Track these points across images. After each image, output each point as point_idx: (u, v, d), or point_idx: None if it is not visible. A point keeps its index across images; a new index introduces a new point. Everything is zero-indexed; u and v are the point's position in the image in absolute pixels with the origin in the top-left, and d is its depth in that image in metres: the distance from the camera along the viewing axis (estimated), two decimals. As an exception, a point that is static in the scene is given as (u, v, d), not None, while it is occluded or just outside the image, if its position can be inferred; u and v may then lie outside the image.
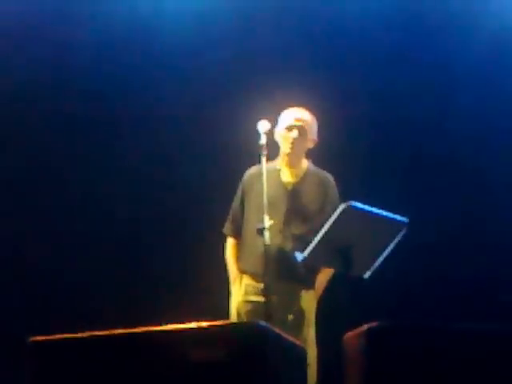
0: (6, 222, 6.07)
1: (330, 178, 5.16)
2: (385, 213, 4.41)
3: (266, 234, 4.61)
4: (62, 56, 6.24)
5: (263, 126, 4.88)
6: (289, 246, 4.92)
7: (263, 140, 4.85)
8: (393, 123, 6.28)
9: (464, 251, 6.17)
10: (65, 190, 6.26)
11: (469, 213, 6.28)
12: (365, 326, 3.42)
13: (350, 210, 4.34)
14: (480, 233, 6.24)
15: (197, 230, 6.07)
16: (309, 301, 4.99)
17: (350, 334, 3.56)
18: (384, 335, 3.39)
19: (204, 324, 3.37)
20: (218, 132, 6.21)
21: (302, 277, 4.94)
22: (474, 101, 6.25)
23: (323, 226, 4.44)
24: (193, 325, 3.37)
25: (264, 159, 4.84)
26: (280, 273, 4.81)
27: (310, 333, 4.95)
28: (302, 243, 4.79)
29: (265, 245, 4.62)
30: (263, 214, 4.68)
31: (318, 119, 5.18)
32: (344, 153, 6.09)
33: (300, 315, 4.94)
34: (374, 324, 3.40)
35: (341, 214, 4.35)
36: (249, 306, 4.96)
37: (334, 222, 4.37)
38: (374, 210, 4.39)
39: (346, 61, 6.27)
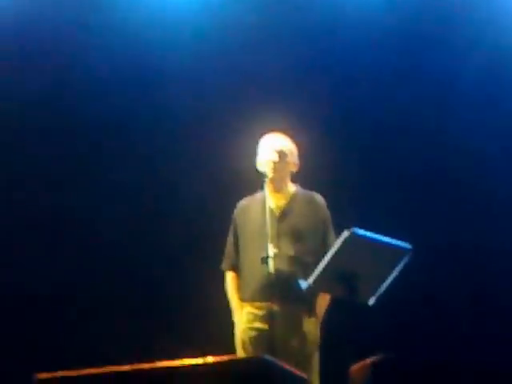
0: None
1: (319, 197, 5.17)
2: (388, 239, 4.42)
3: (271, 262, 4.64)
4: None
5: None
6: (286, 268, 4.90)
7: (265, 169, 4.94)
8: (389, 142, 6.28)
9: (471, 278, 6.14)
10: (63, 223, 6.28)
11: (472, 234, 6.21)
12: (370, 359, 3.44)
13: (353, 237, 4.35)
14: (486, 255, 6.17)
15: (200, 265, 6.03)
16: (312, 325, 5.00)
17: (355, 366, 3.57)
18: (390, 368, 3.40)
19: (210, 359, 3.38)
20: (215, 157, 6.23)
21: (304, 301, 4.93)
22: (473, 117, 6.22)
23: (323, 250, 4.55)
24: (199, 360, 3.38)
25: (267, 187, 4.89)
26: (281, 298, 4.82)
27: (315, 357, 4.96)
28: (299, 265, 4.90)
29: (269, 273, 4.64)
30: (259, 242, 4.75)
31: (307, 144, 5.21)
32: (338, 177, 6.09)
33: (304, 339, 4.95)
34: (379, 357, 3.41)
35: (344, 241, 4.36)
36: (252, 333, 4.98)
37: (337, 250, 4.38)
38: (378, 236, 4.40)
39: (342, 79, 6.27)
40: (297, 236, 5.01)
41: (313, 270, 4.42)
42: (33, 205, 6.20)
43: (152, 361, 3.43)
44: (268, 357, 3.45)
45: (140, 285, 6.16)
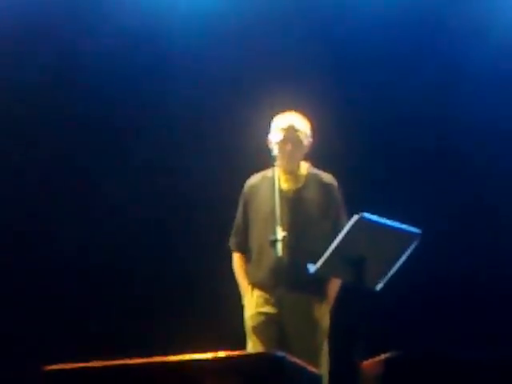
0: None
1: (331, 180, 5.06)
2: (397, 224, 4.37)
3: (279, 245, 4.56)
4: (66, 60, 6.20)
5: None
6: (297, 256, 4.79)
7: (276, 150, 4.85)
8: (400, 125, 6.20)
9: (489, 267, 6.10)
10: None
11: (487, 221, 6.17)
12: (383, 356, 3.40)
13: (362, 222, 4.30)
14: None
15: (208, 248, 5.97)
16: (322, 311, 4.94)
17: (367, 363, 3.53)
18: (402, 365, 3.36)
19: (220, 354, 3.34)
20: (223, 137, 6.15)
21: (314, 287, 4.86)
22: (482, 100, 6.15)
23: (334, 235, 4.42)
24: (209, 355, 3.34)
25: (277, 168, 4.82)
26: (291, 284, 4.76)
27: (324, 343, 4.90)
28: (309, 250, 4.72)
29: (277, 256, 4.57)
30: (270, 224, 4.66)
31: (320, 121, 5.11)
32: (349, 160, 6.01)
33: (314, 325, 4.88)
34: (392, 353, 3.37)
35: (353, 225, 4.31)
36: (262, 318, 4.90)
37: (346, 234, 4.33)
38: (387, 221, 4.35)
39: (357, 61, 6.20)
40: (309, 221, 4.92)
41: (323, 255, 4.36)
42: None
43: (165, 354, 3.39)
44: (280, 353, 3.40)
45: (157, 279, 6.12)
